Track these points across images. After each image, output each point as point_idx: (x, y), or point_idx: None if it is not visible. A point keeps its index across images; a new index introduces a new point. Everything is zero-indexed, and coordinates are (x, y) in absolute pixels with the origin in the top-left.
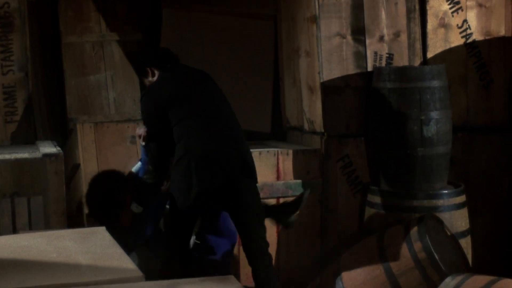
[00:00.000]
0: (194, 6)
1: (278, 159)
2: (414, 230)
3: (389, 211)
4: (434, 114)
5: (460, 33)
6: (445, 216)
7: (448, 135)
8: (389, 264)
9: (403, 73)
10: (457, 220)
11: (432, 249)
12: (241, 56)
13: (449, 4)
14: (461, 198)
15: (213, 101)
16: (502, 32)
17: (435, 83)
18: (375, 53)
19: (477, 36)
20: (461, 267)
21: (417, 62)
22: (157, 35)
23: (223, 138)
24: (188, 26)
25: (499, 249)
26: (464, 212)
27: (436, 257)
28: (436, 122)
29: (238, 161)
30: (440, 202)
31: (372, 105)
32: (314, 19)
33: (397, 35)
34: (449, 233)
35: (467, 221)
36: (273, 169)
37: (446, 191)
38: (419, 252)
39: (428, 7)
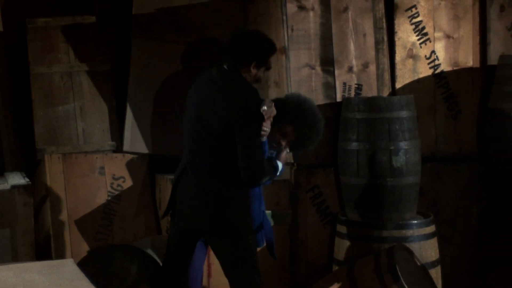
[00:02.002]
0: (164, 36)
1: None
2: (384, 262)
3: (359, 241)
4: (403, 145)
5: (428, 64)
6: (414, 246)
7: (417, 165)
8: None
9: (372, 103)
10: (427, 250)
11: (403, 281)
12: None
13: (417, 35)
14: (431, 228)
15: None
16: (470, 63)
17: (404, 114)
18: (344, 83)
19: (445, 67)
20: None
21: (386, 92)
22: (128, 65)
23: None
24: (158, 55)
25: (469, 278)
26: (433, 242)
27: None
28: (405, 153)
29: None
30: (409, 232)
31: (342, 135)
32: (284, 50)
33: (365, 66)
34: (419, 263)
35: (437, 251)
36: None
37: (415, 221)
38: (389, 285)
39: (396, 39)
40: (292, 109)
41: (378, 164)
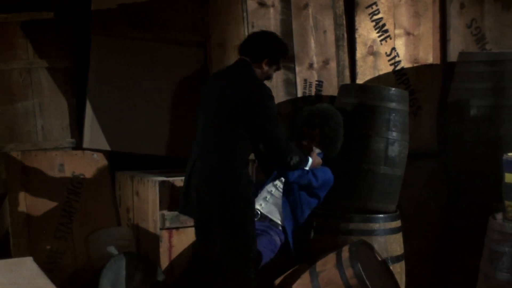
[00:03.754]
0: (123, 33)
1: None
2: (346, 257)
3: (326, 233)
4: (399, 136)
5: (389, 60)
6: (380, 240)
7: (405, 159)
8: None
9: (374, 91)
10: (392, 244)
11: (363, 275)
12: (170, 82)
13: (377, 32)
14: (397, 223)
15: None
16: (430, 59)
17: (402, 107)
18: (305, 80)
19: (405, 63)
20: None
21: None
22: (88, 61)
23: None
24: (118, 52)
25: (430, 273)
26: (399, 237)
27: (367, 283)
28: (399, 144)
29: None
30: (376, 225)
31: None
32: None
33: (326, 62)
34: (380, 259)
35: (402, 246)
36: None
37: (382, 216)
38: (350, 279)
39: (357, 35)
40: (310, 115)
41: (373, 151)
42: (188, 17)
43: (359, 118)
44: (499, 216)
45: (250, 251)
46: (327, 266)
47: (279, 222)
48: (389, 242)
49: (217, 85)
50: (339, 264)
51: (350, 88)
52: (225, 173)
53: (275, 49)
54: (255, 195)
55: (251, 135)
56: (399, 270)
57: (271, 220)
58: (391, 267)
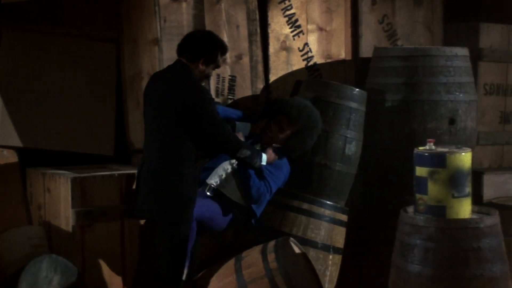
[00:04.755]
0: (35, 27)
1: (122, 182)
2: (271, 245)
3: (277, 208)
4: (356, 136)
5: (302, 56)
6: (327, 227)
7: (358, 159)
8: (241, 272)
9: (338, 90)
10: (336, 235)
11: (284, 261)
12: (82, 78)
13: (290, 27)
14: (344, 218)
15: None
16: (342, 55)
17: (362, 107)
18: (218, 75)
19: (318, 59)
20: (312, 283)
21: (259, 84)
22: None
23: None
24: (29, 47)
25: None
26: (343, 231)
27: (287, 268)
28: (356, 144)
29: None
30: (326, 212)
31: None
32: (156, 42)
33: (239, 57)
34: (301, 251)
35: (343, 240)
36: (117, 193)
37: (334, 204)
38: (271, 262)
39: (269, 31)
40: (297, 109)
41: (331, 148)
42: (102, 12)
43: (320, 113)
44: (410, 209)
45: (179, 253)
46: (252, 252)
47: (234, 199)
48: (334, 232)
49: (156, 88)
50: (263, 250)
51: (313, 84)
52: (167, 175)
53: (210, 48)
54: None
55: (194, 136)
56: (336, 261)
57: (224, 196)
58: (330, 256)
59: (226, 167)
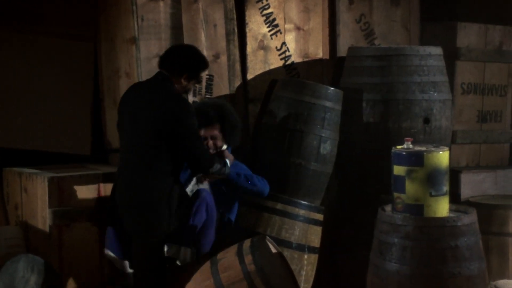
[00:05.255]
0: (11, 26)
1: (99, 182)
2: (246, 246)
3: (252, 208)
4: (331, 135)
5: (279, 55)
6: (301, 227)
7: (334, 157)
8: (219, 275)
9: (314, 89)
10: (312, 235)
11: (261, 262)
12: (59, 77)
13: (268, 27)
14: (320, 217)
15: None
16: (320, 54)
17: (338, 107)
18: None
19: (295, 58)
20: (289, 284)
21: (237, 83)
22: None
23: None
24: (5, 46)
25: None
26: (318, 230)
27: (264, 269)
28: (331, 143)
29: None
30: (301, 212)
31: (269, 114)
32: (134, 41)
33: (216, 56)
34: (277, 251)
35: (319, 239)
36: (94, 192)
37: (308, 204)
38: (248, 265)
39: (247, 30)
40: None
41: (306, 147)
42: (79, 11)
43: (295, 113)
44: (388, 207)
45: (151, 264)
46: (227, 254)
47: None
48: (309, 232)
49: (135, 98)
50: (239, 252)
51: (288, 83)
52: (143, 188)
53: (194, 64)
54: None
55: (171, 149)
56: (312, 261)
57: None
58: (305, 256)
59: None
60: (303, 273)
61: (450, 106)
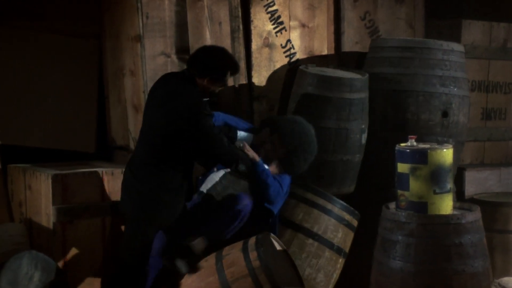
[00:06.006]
0: (15, 23)
1: (103, 179)
2: (252, 242)
3: (301, 202)
4: (366, 122)
5: (284, 52)
6: (344, 231)
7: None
8: (224, 272)
9: (350, 84)
10: (349, 240)
11: (266, 259)
12: (64, 74)
13: (273, 24)
14: (356, 223)
15: None
16: (324, 51)
17: (366, 94)
18: None
19: (300, 55)
20: (294, 281)
21: (242, 80)
22: None
23: None
24: (10, 43)
25: None
26: (352, 236)
27: (269, 266)
28: (367, 130)
29: None
30: (346, 216)
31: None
32: (139, 38)
33: None
34: (283, 248)
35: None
36: (98, 190)
37: (355, 211)
38: (253, 261)
39: (252, 27)
40: (290, 131)
41: (351, 143)
42: (84, 8)
43: (336, 111)
44: (392, 205)
45: (135, 253)
46: (233, 250)
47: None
48: (348, 237)
49: (155, 92)
50: (244, 248)
51: (320, 79)
52: (147, 177)
53: (219, 68)
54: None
55: (179, 146)
56: (342, 266)
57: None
58: (340, 260)
59: (219, 174)
60: (335, 276)
61: (468, 103)
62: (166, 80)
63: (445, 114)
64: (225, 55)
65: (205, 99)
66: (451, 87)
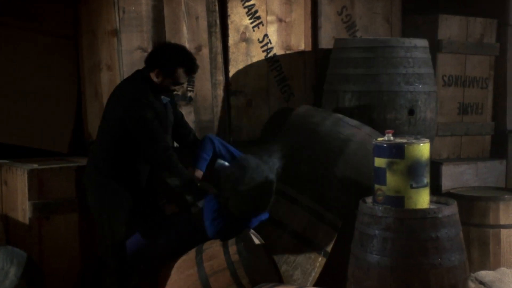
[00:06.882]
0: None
1: (79, 174)
2: (231, 241)
3: (281, 198)
4: None
5: (261, 47)
6: (327, 231)
7: None
8: (203, 264)
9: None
10: (331, 240)
11: (245, 253)
12: (42, 74)
13: (250, 19)
14: (339, 223)
15: None
16: (302, 46)
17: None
18: None
19: (277, 50)
20: (273, 276)
21: (219, 75)
22: None
23: None
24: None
25: None
26: (335, 236)
27: (248, 260)
28: None
29: None
30: (328, 215)
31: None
32: (115, 33)
33: (198, 49)
34: (262, 244)
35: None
36: (74, 185)
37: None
38: (232, 255)
39: (229, 22)
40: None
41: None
42: (63, 8)
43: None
44: (369, 199)
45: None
46: (213, 244)
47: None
48: (330, 236)
49: (113, 93)
50: (224, 242)
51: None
52: (98, 177)
53: (167, 60)
54: None
55: (127, 146)
56: (322, 264)
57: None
58: (319, 259)
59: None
60: (313, 274)
61: (435, 98)
62: (122, 83)
63: (411, 112)
64: (179, 50)
65: (162, 96)
66: (416, 84)
